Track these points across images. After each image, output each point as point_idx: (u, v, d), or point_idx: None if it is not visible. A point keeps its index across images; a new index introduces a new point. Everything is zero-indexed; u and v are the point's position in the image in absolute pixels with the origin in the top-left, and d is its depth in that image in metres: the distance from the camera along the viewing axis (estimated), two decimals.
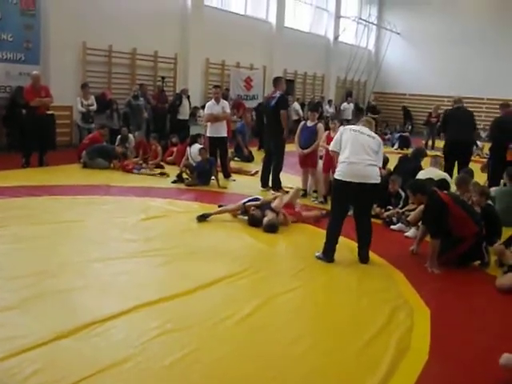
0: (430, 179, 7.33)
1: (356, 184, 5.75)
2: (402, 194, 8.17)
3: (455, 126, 9.89)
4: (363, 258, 5.98)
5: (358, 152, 5.87)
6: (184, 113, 15.07)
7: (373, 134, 6.07)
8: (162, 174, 10.61)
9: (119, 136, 12.13)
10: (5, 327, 3.88)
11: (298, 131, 9.32)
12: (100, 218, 7.20)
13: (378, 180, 5.90)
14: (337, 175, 5.89)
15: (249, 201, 7.47)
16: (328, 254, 5.94)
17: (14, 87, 12.24)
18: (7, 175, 9.51)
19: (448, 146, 10.05)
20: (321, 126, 9.25)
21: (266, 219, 7.03)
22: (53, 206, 7.61)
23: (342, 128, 6.27)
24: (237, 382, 3.42)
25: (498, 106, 10.66)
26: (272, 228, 6.94)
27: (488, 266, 6.03)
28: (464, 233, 5.85)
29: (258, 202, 7.36)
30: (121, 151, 11.35)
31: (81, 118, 12.97)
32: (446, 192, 6.05)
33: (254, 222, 7.08)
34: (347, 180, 5.78)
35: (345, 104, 22.21)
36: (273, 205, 7.23)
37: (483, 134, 21.27)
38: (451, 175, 9.09)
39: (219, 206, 7.84)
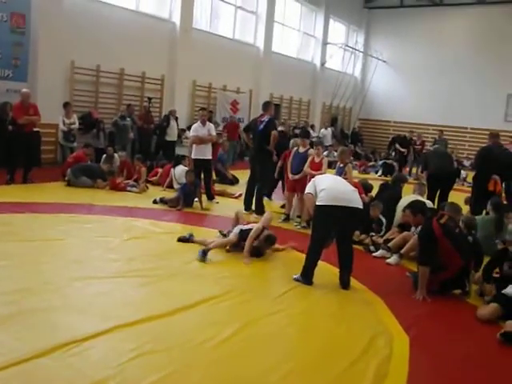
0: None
1: (341, 208, 5.82)
2: (383, 220, 8.26)
3: (436, 160, 10.50)
4: (345, 284, 6.00)
5: (338, 183, 6.24)
6: (172, 134, 15.09)
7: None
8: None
9: (104, 155, 12.13)
10: None
11: (290, 157, 9.38)
12: (82, 236, 7.17)
13: (361, 206, 6.03)
14: (320, 201, 5.94)
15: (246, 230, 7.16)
16: (307, 277, 5.97)
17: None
18: None
19: (431, 178, 10.34)
20: (312, 151, 9.31)
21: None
22: (35, 224, 7.57)
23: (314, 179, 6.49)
24: None
25: (481, 136, 10.98)
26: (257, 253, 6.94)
27: (468, 295, 6.04)
28: (448, 264, 5.88)
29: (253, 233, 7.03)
30: (108, 170, 11.39)
31: (62, 137, 12.95)
32: (442, 222, 6.05)
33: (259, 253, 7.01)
34: (332, 204, 5.84)
35: (323, 130, 22.48)
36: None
37: (467, 163, 21.56)
38: (433, 203, 9.22)
39: (220, 233, 7.74)
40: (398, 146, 19.57)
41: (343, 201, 5.86)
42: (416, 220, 6.45)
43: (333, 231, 6.09)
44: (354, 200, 5.97)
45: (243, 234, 7.04)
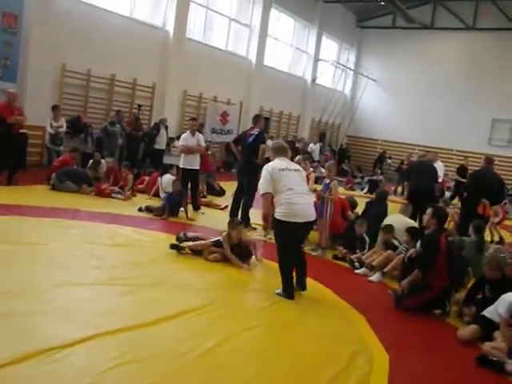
0: None
1: (302, 223, 6.00)
2: (367, 238, 8.28)
3: (417, 176, 10.60)
4: (303, 286, 6.23)
5: (297, 192, 5.99)
6: (161, 142, 14.94)
7: (296, 166, 6.45)
8: None
9: (91, 160, 12.07)
10: None
11: None
12: (66, 241, 7.12)
13: (315, 217, 6.31)
14: (283, 216, 5.93)
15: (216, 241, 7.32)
16: (288, 292, 6.01)
17: None
18: None
19: (411, 194, 10.52)
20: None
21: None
22: (19, 227, 7.50)
23: (267, 168, 6.09)
24: None
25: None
26: None
27: (448, 315, 6.10)
28: (434, 281, 5.95)
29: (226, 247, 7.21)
30: (94, 175, 11.34)
31: (50, 140, 12.91)
32: (451, 238, 6.18)
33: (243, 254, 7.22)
34: (292, 221, 5.92)
35: (312, 145, 22.65)
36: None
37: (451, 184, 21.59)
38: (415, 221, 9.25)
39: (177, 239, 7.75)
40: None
41: (303, 217, 5.99)
42: (430, 222, 6.34)
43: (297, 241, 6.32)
44: (311, 214, 6.13)
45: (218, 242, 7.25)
